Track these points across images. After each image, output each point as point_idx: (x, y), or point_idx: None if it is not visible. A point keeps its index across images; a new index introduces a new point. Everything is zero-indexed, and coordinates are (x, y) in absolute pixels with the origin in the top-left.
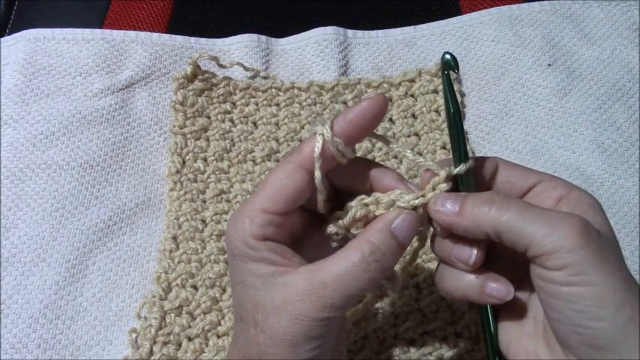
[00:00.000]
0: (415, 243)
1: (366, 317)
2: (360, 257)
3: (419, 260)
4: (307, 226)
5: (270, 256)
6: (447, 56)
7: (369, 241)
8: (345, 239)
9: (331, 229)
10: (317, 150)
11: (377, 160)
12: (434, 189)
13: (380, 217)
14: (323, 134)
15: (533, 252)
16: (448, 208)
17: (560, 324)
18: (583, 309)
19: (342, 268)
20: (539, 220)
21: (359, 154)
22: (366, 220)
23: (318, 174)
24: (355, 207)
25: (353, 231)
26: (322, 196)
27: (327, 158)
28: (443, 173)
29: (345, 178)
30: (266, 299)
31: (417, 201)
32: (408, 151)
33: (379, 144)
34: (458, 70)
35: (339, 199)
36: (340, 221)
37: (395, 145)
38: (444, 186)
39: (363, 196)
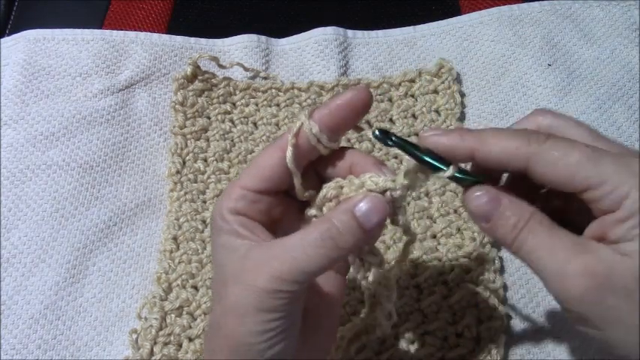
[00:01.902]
0: (404, 238)
1: (366, 330)
2: (316, 233)
3: (420, 261)
4: (293, 215)
5: (240, 229)
6: (377, 133)
7: (327, 220)
8: None
9: (310, 212)
10: (293, 131)
11: None
12: (405, 176)
13: (347, 199)
14: (301, 119)
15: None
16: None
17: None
18: None
19: (296, 242)
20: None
21: None
22: (338, 202)
23: (289, 153)
24: (328, 186)
25: (325, 212)
26: (298, 179)
27: (305, 142)
28: (412, 162)
29: (329, 168)
30: (230, 271)
31: (386, 184)
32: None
33: (380, 144)
34: (392, 142)
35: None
36: (315, 202)
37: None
38: (420, 175)
39: (339, 179)
